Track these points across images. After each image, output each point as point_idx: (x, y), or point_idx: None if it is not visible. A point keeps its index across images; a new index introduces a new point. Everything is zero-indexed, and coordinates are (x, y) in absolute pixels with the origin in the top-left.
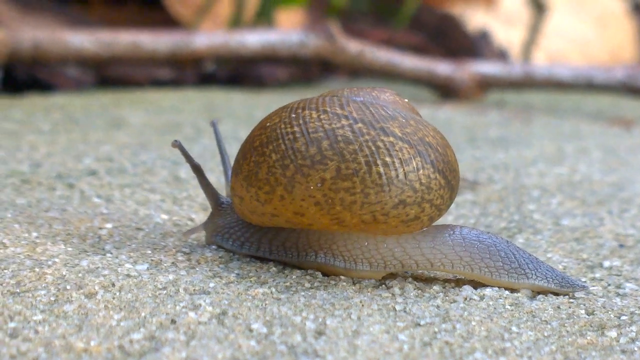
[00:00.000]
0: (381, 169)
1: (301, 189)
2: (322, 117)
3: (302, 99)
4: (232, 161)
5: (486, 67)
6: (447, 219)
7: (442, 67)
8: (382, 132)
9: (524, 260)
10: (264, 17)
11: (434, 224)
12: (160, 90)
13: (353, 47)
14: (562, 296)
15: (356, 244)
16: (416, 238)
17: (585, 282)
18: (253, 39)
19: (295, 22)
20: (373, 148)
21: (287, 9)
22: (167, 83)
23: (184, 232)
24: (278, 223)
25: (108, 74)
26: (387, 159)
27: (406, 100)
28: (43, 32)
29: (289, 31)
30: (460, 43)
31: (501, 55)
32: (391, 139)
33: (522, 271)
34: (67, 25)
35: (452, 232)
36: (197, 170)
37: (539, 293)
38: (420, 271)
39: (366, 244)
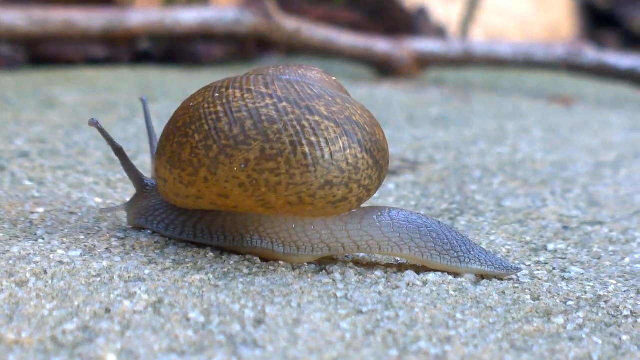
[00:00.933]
0: (306, 149)
1: (225, 170)
2: (246, 96)
3: (226, 78)
4: None
5: (425, 45)
6: (388, 200)
7: (381, 45)
8: (307, 111)
9: (457, 242)
10: None
11: (363, 205)
12: (94, 69)
13: (290, 24)
14: (506, 281)
15: (283, 226)
16: (343, 220)
17: (519, 264)
18: (188, 16)
19: (231, 1)
20: (298, 127)
21: None
22: (101, 61)
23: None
24: (202, 205)
25: (41, 52)
26: (313, 138)
27: (334, 78)
28: None
29: (224, 8)
30: (398, 20)
31: (439, 32)
32: (317, 118)
33: (455, 254)
34: None
35: (380, 213)
36: (119, 152)
37: (482, 277)
38: (348, 255)
39: (293, 226)
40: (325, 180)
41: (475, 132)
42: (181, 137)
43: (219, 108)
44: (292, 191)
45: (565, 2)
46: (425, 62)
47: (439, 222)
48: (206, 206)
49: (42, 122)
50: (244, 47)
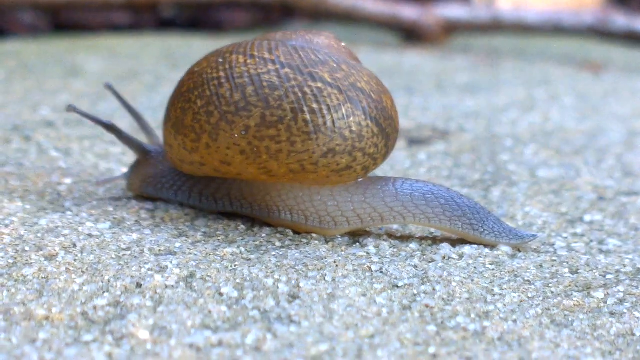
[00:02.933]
0: (308, 116)
1: (226, 136)
2: (248, 61)
3: (234, 42)
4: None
5: (452, 11)
6: (420, 171)
7: (408, 12)
8: (310, 78)
9: (469, 209)
10: None
11: (372, 173)
12: (117, 36)
13: None
14: (544, 253)
15: (290, 194)
16: (349, 191)
17: (535, 233)
18: None
19: None
20: (300, 94)
21: None
22: (124, 28)
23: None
24: (207, 172)
25: (63, 19)
26: (314, 105)
27: (343, 44)
28: None
29: None
30: None
31: None
32: (319, 84)
33: (467, 220)
34: None
35: (385, 184)
36: (111, 128)
37: (519, 251)
38: (350, 229)
39: (301, 194)
40: (328, 148)
41: (505, 100)
42: (184, 102)
43: (222, 74)
44: (293, 159)
45: None
46: (452, 28)
47: (447, 188)
48: (211, 173)
49: (66, 90)
50: (269, 13)
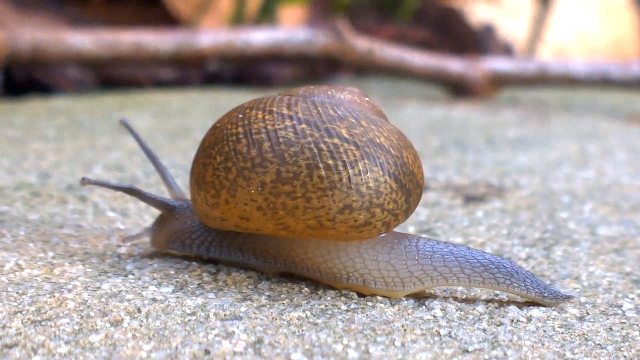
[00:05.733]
0: (323, 172)
1: (243, 192)
2: (266, 117)
3: (256, 98)
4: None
5: (499, 64)
6: (479, 229)
7: (454, 65)
8: (326, 134)
9: (493, 264)
10: (267, 14)
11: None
12: (164, 92)
13: (362, 44)
14: (612, 316)
15: (317, 252)
16: (375, 248)
17: (573, 292)
18: (259, 38)
19: (298, 19)
20: (315, 150)
21: (289, 5)
22: (170, 83)
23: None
24: (229, 227)
25: (109, 75)
26: (330, 161)
27: (367, 99)
28: (43, 33)
29: (295, 29)
30: (464, 37)
31: (506, 49)
32: (335, 140)
33: (491, 275)
34: (65, 24)
35: (408, 243)
36: (132, 191)
37: (587, 313)
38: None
39: (326, 251)
40: (344, 205)
41: (557, 155)
42: (205, 157)
43: (240, 129)
44: (310, 215)
45: (630, 17)
46: (499, 81)
47: (468, 247)
48: (232, 228)
49: (117, 148)
50: (315, 67)
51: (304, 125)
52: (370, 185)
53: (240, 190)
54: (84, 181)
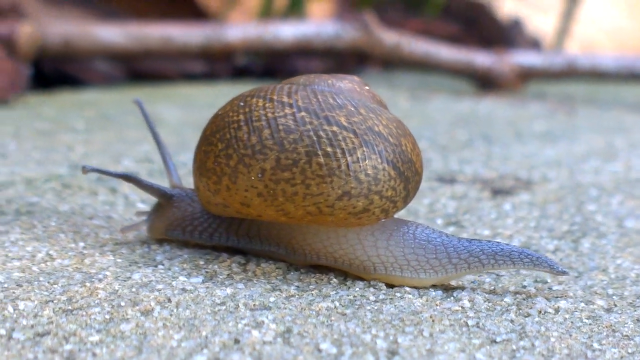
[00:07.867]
0: (322, 160)
1: (244, 179)
2: (267, 105)
3: (258, 86)
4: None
5: (526, 58)
6: (507, 222)
7: (481, 59)
8: (325, 121)
9: (481, 249)
10: (296, 8)
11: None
12: (192, 85)
13: (389, 38)
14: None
15: (316, 237)
16: (374, 235)
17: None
18: (287, 31)
19: (325, 13)
20: (314, 138)
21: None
22: (198, 77)
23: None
24: (231, 213)
25: (138, 68)
26: (329, 149)
27: (367, 87)
28: (72, 26)
29: (323, 23)
30: (492, 31)
31: (534, 43)
32: (334, 128)
33: (477, 259)
34: (94, 17)
35: (407, 229)
36: (129, 179)
37: (615, 305)
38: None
39: (326, 237)
40: (343, 191)
41: (584, 148)
42: (207, 145)
43: (241, 117)
44: (309, 201)
45: None
46: (526, 75)
47: (459, 238)
48: (234, 214)
49: (146, 140)
50: (342, 61)
51: (303, 113)
52: (369, 172)
53: (241, 177)
54: (85, 169)
